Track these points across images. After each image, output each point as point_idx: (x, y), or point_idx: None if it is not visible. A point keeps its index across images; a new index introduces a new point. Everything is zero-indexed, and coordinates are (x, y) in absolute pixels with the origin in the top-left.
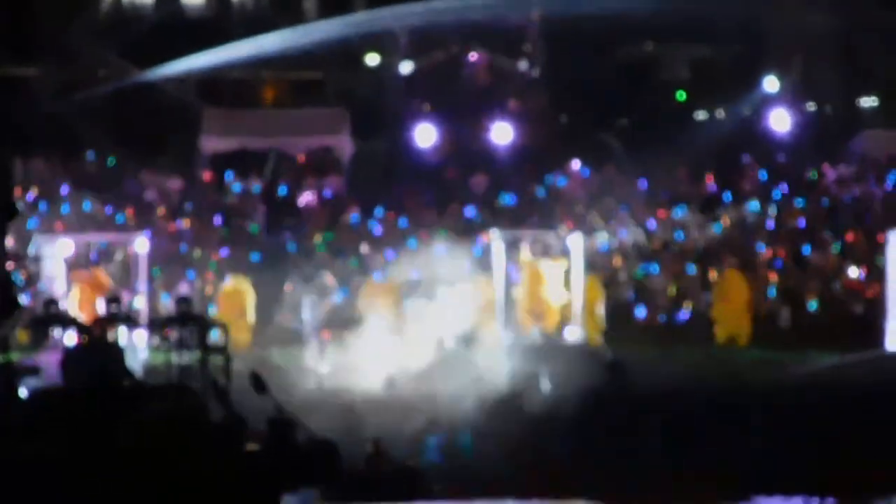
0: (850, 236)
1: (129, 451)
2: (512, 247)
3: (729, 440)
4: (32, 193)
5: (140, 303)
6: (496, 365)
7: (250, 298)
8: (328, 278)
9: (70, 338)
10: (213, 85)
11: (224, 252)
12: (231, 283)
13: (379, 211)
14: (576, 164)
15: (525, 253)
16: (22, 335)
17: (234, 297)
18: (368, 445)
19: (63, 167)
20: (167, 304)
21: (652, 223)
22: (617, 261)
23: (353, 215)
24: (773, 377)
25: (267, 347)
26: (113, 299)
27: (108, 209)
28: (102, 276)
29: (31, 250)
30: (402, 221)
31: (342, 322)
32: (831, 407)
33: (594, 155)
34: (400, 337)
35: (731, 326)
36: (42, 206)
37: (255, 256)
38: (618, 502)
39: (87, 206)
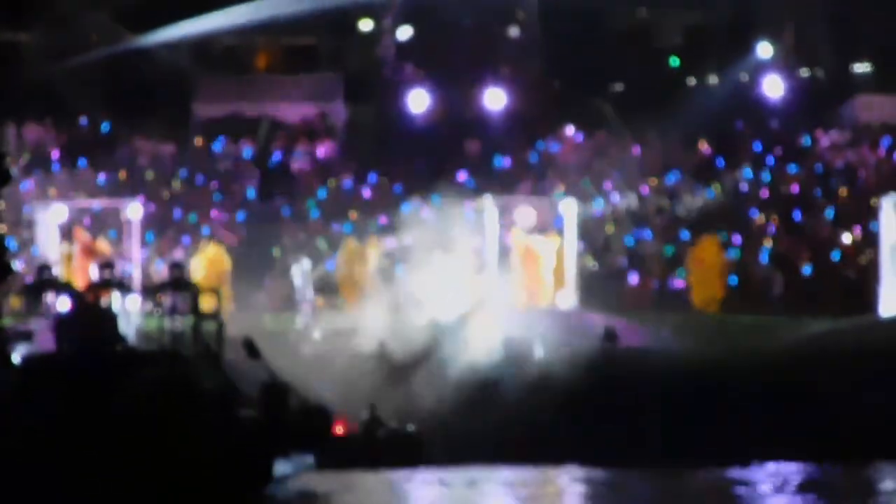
0: (843, 202)
1: (122, 416)
2: (505, 212)
3: (719, 407)
4: (25, 159)
5: (133, 268)
6: (489, 331)
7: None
8: (320, 244)
9: (63, 303)
10: (206, 51)
11: (216, 217)
12: (211, 249)
13: (372, 177)
14: (569, 130)
15: (517, 230)
16: (15, 301)
17: (216, 264)
18: (364, 411)
19: (56, 133)
20: (160, 270)
21: (645, 189)
22: (609, 227)
23: (346, 181)
24: (766, 344)
25: (259, 313)
26: (106, 265)
27: (101, 175)
28: (96, 241)
29: (23, 216)
30: (396, 187)
31: (334, 288)
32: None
33: (587, 121)
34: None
35: (705, 292)
36: (35, 171)
37: (246, 221)
38: (611, 466)
39: (80, 171)
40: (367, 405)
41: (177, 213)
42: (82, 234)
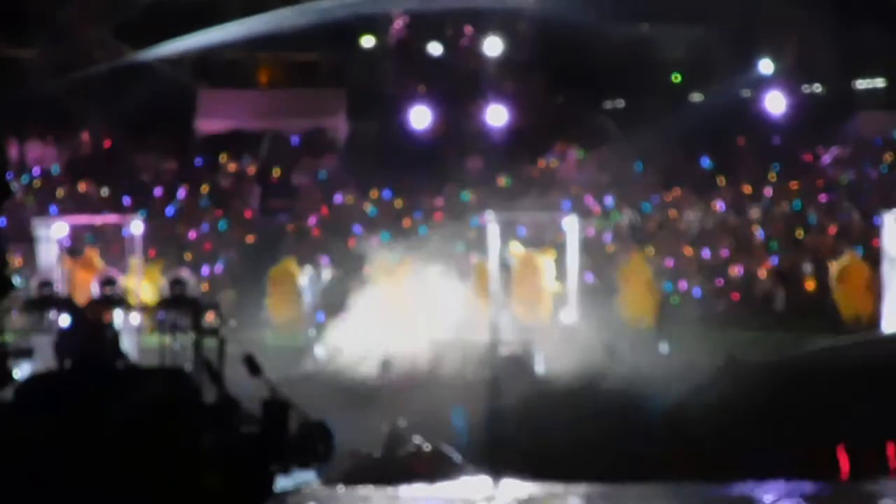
0: (845, 218)
1: (122, 432)
2: (507, 228)
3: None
4: (27, 175)
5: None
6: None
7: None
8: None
9: (64, 320)
10: (208, 66)
11: (219, 233)
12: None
13: (374, 192)
14: (571, 146)
15: (516, 244)
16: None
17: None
18: (385, 426)
19: (58, 148)
20: (162, 286)
21: (647, 205)
22: (611, 244)
23: (349, 196)
24: (767, 359)
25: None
26: (107, 281)
27: (104, 191)
28: (97, 257)
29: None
30: (398, 203)
31: (338, 304)
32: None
33: (590, 136)
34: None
35: (634, 308)
36: (36, 187)
37: (248, 237)
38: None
39: (82, 187)
40: (389, 422)
41: (179, 228)
42: (87, 251)
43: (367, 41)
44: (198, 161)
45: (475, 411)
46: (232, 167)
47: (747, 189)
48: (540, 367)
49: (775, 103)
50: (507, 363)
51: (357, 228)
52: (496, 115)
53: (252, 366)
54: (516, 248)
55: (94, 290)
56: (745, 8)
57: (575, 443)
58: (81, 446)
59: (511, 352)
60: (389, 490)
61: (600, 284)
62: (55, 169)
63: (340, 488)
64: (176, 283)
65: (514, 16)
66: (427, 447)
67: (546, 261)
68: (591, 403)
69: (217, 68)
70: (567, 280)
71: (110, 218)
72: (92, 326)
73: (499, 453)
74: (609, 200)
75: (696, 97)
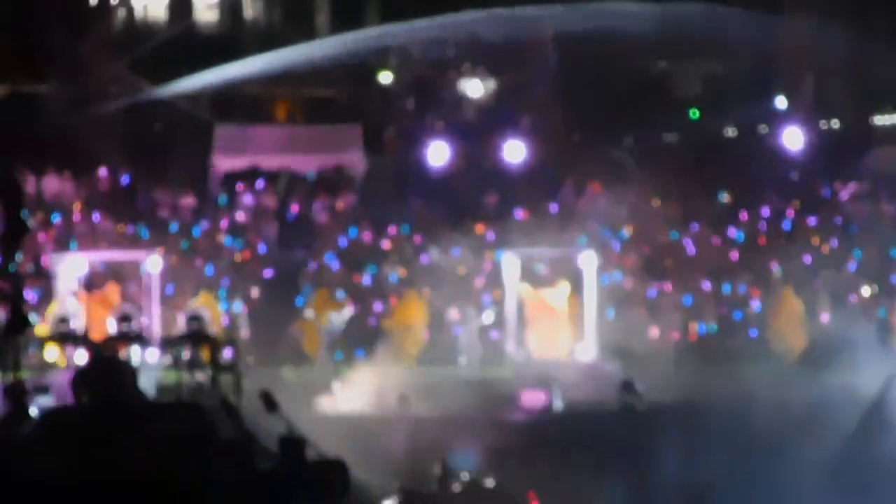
0: (862, 254)
1: (139, 469)
2: (524, 264)
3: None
4: (44, 210)
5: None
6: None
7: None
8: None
9: (81, 356)
10: (225, 101)
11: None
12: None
13: (391, 228)
14: (589, 182)
15: (525, 285)
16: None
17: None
18: (436, 467)
19: (75, 184)
20: (179, 322)
21: (665, 239)
22: (629, 278)
23: (367, 232)
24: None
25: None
26: (124, 318)
27: (121, 226)
28: (114, 293)
29: (42, 267)
30: (416, 238)
31: (357, 339)
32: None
33: (607, 172)
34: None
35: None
36: (54, 223)
37: (267, 273)
38: None
39: (100, 223)
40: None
41: (196, 264)
42: (108, 287)
43: (385, 76)
44: (215, 197)
45: (493, 447)
46: (249, 203)
47: (764, 224)
48: (559, 402)
49: (793, 139)
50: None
51: (374, 264)
52: (514, 151)
53: (269, 402)
54: (527, 286)
55: (111, 326)
56: (762, 44)
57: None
58: (98, 483)
59: (530, 387)
60: None
61: (620, 320)
62: (73, 205)
63: None
64: (193, 320)
65: (531, 51)
66: (489, 483)
67: (561, 297)
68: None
69: (234, 104)
70: (585, 316)
71: (128, 254)
72: (109, 363)
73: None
74: (626, 235)
75: (714, 132)
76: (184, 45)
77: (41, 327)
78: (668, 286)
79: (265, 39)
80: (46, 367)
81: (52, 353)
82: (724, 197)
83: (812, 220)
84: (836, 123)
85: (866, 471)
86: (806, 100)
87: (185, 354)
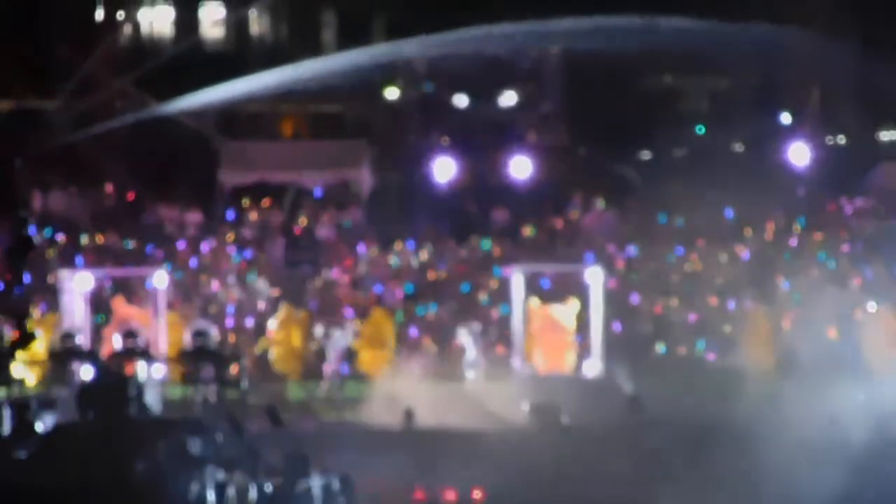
0: (867, 269)
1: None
2: (531, 281)
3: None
4: (50, 227)
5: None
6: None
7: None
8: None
9: (87, 372)
10: (232, 118)
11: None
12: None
13: (398, 244)
14: (595, 198)
15: (533, 300)
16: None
17: None
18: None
19: (81, 200)
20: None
21: (671, 255)
22: (636, 294)
23: (372, 248)
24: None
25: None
26: (129, 334)
27: (127, 243)
28: (121, 308)
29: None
30: (422, 254)
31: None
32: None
33: (614, 188)
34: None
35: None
36: (60, 239)
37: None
38: None
39: (106, 239)
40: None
41: (202, 280)
42: (119, 304)
43: (391, 92)
44: (222, 213)
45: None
46: (256, 219)
47: (771, 239)
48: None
49: (799, 155)
50: (535, 413)
51: (380, 280)
52: (520, 167)
53: (274, 417)
54: (534, 302)
55: (117, 341)
56: (769, 60)
57: None
58: (104, 498)
59: (538, 402)
60: None
61: (627, 336)
62: (79, 221)
63: None
64: (198, 335)
65: (538, 68)
66: None
67: (567, 313)
68: None
69: (241, 120)
70: (591, 332)
71: (134, 270)
72: (114, 379)
73: None
74: (632, 252)
75: (720, 148)
76: (190, 61)
77: (45, 342)
78: (674, 302)
79: (271, 56)
80: (13, 383)
81: (19, 369)
82: (730, 212)
83: (818, 236)
84: (842, 139)
85: None
86: (812, 116)
87: (191, 370)
